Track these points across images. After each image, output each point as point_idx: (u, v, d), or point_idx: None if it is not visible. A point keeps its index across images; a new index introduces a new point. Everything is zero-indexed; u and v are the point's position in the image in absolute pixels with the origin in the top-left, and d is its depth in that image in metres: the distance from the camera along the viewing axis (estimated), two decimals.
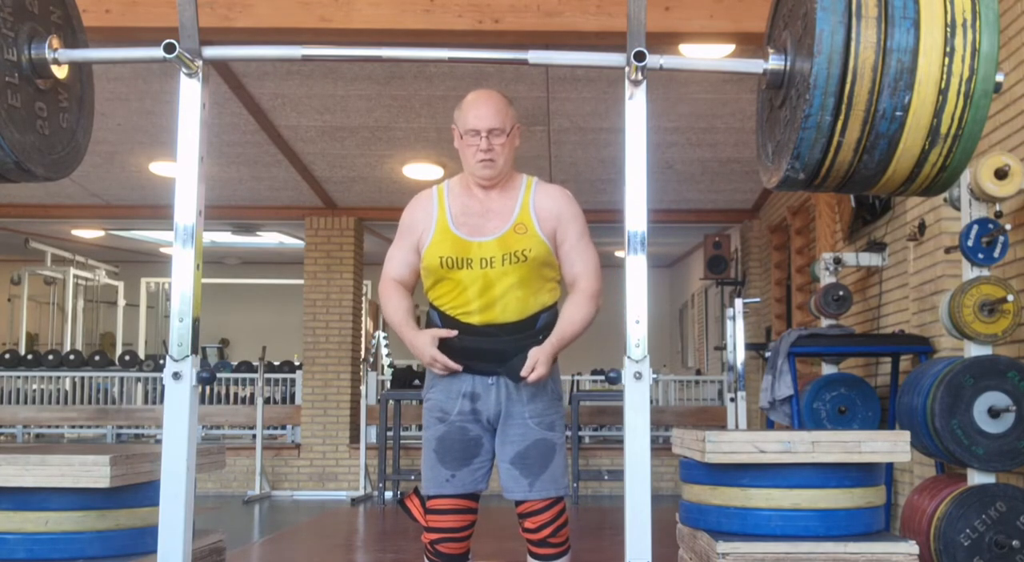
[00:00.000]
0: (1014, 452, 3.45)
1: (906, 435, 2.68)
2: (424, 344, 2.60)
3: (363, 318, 9.84)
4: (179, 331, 1.77)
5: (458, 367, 2.59)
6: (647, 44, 1.74)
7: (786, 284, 8.46)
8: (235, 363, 11.92)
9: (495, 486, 2.63)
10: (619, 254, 10.95)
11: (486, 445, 2.68)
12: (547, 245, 2.64)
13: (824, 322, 5.55)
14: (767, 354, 5.42)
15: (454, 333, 2.61)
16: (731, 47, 4.80)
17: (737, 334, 5.75)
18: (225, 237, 11.22)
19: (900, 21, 1.61)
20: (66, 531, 2.34)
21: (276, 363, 10.94)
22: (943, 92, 1.61)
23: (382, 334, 11.12)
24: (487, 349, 2.63)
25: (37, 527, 2.33)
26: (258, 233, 11.15)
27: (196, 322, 1.78)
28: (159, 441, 2.85)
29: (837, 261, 5.54)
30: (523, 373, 2.53)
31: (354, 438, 8.98)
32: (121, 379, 10.89)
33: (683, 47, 4.73)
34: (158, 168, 7.75)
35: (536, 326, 2.65)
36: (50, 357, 10.86)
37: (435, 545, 2.64)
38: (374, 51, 1.96)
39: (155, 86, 5.91)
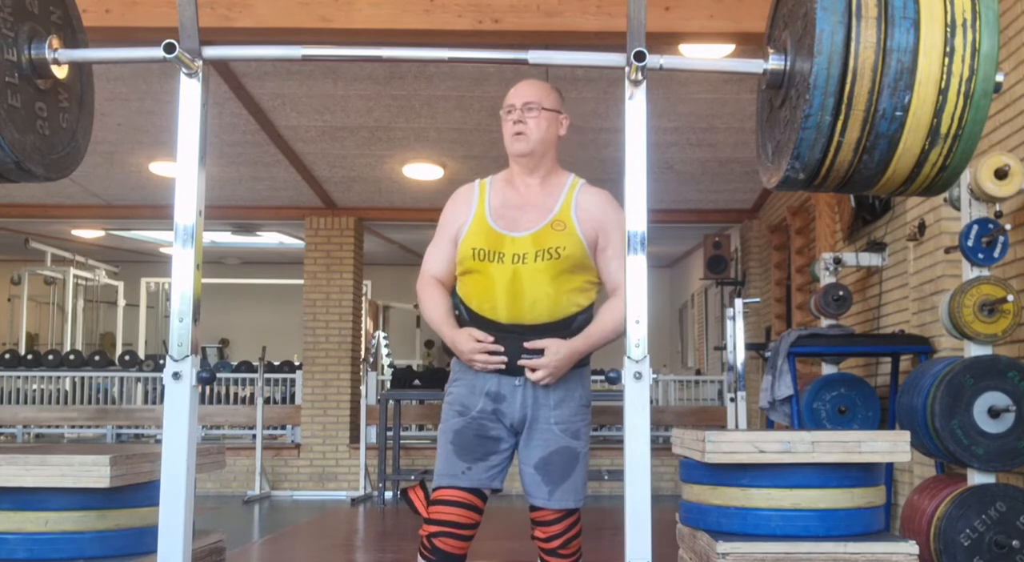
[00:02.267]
0: (1014, 452, 3.45)
1: (906, 435, 2.68)
2: (465, 341, 2.52)
3: (363, 318, 9.84)
4: (179, 331, 1.77)
5: (502, 363, 2.50)
6: (647, 44, 1.74)
7: (786, 284, 8.45)
8: (235, 363, 11.92)
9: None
10: None
11: (506, 445, 2.59)
12: (585, 247, 2.56)
13: (824, 322, 5.55)
14: (767, 354, 5.42)
15: (490, 338, 2.51)
16: (731, 47, 4.80)
17: (737, 334, 5.74)
18: (225, 237, 11.22)
19: (900, 21, 1.61)
20: (66, 531, 2.34)
21: (276, 363, 10.94)
22: (943, 92, 1.61)
23: (382, 334, 11.13)
24: (512, 348, 2.53)
25: (37, 527, 2.33)
26: (258, 233, 11.15)
27: (196, 322, 1.78)
28: (159, 441, 2.85)
29: (837, 261, 5.54)
30: (524, 363, 2.45)
31: (354, 438, 8.98)
32: (121, 379, 10.89)
33: (683, 47, 4.73)
34: (158, 168, 7.75)
35: (571, 328, 2.56)
36: (50, 357, 10.86)
37: (432, 539, 2.49)
38: (374, 51, 1.96)
39: (155, 86, 5.91)
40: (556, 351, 2.48)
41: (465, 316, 2.62)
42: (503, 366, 2.51)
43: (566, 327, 2.55)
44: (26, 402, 10.56)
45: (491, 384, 2.57)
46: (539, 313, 2.52)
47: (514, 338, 2.53)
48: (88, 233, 11.37)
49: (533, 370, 2.50)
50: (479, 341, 2.53)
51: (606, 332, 2.54)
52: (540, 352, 2.50)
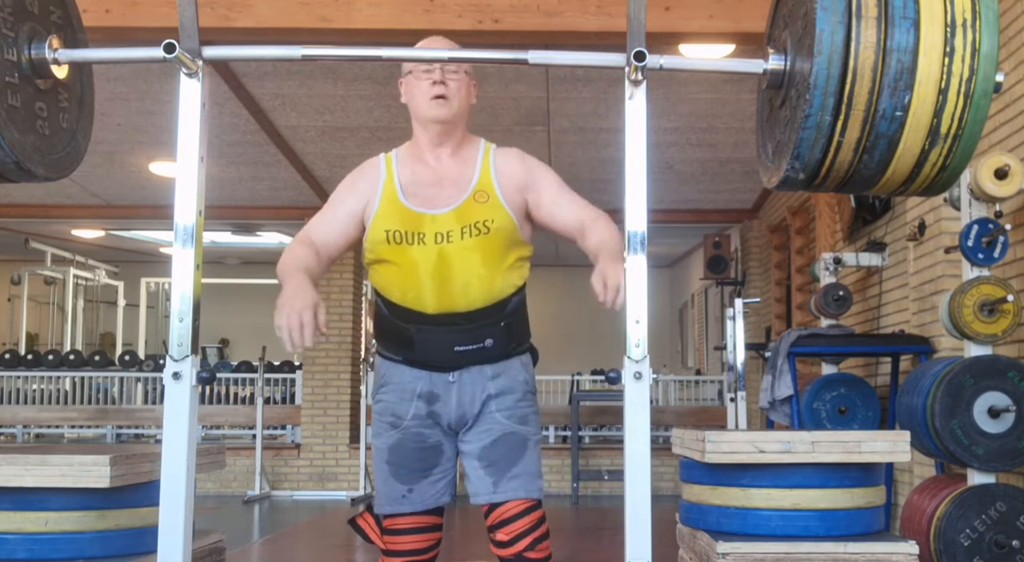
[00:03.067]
0: (1014, 452, 3.45)
1: (906, 435, 2.68)
2: (294, 296, 1.99)
3: (363, 318, 9.84)
4: (179, 331, 1.77)
5: (305, 342, 1.98)
6: (647, 44, 1.74)
7: (786, 284, 8.45)
8: (235, 363, 11.92)
9: None
10: None
11: (447, 452, 2.31)
12: (512, 218, 2.27)
13: (824, 322, 5.55)
14: (767, 354, 5.42)
15: (324, 322, 1.99)
16: (731, 47, 4.80)
17: (737, 334, 5.74)
18: (225, 237, 11.22)
19: (900, 21, 1.61)
20: (66, 531, 2.34)
21: (276, 363, 10.94)
22: (943, 92, 1.61)
23: None
24: (443, 340, 2.24)
25: (37, 527, 2.33)
26: (258, 233, 11.14)
27: (196, 322, 1.78)
28: (159, 441, 2.85)
29: (837, 261, 5.54)
30: (606, 298, 1.94)
31: (354, 438, 8.98)
32: (121, 379, 10.89)
33: (683, 47, 4.73)
34: (158, 168, 7.76)
35: (505, 311, 2.28)
36: (50, 357, 10.86)
37: None
38: (374, 51, 1.96)
39: (155, 86, 5.91)
40: (613, 271, 1.97)
41: (384, 311, 2.32)
42: (306, 345, 2.01)
43: (500, 311, 2.27)
44: (26, 402, 10.56)
45: (422, 383, 2.29)
46: (473, 298, 2.23)
47: (445, 330, 2.24)
48: (88, 233, 11.37)
49: (611, 293, 1.97)
50: (396, 330, 2.24)
51: (617, 240, 2.15)
52: (482, 345, 2.23)
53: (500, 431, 2.27)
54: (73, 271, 12.62)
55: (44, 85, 1.81)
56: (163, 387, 1.79)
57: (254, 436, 8.69)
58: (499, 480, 2.25)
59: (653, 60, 1.75)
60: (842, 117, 1.63)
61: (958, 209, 3.70)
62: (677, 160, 7.48)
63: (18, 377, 10.59)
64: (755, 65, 1.83)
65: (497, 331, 2.27)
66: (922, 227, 4.59)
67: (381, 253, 2.27)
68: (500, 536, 2.25)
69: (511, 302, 2.29)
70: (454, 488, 2.36)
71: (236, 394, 10.96)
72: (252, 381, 10.27)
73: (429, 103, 2.27)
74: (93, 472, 2.29)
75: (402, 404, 2.30)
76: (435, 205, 2.26)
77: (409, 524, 2.28)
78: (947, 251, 4.08)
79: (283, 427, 10.29)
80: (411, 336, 2.26)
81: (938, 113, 1.63)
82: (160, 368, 10.42)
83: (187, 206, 1.79)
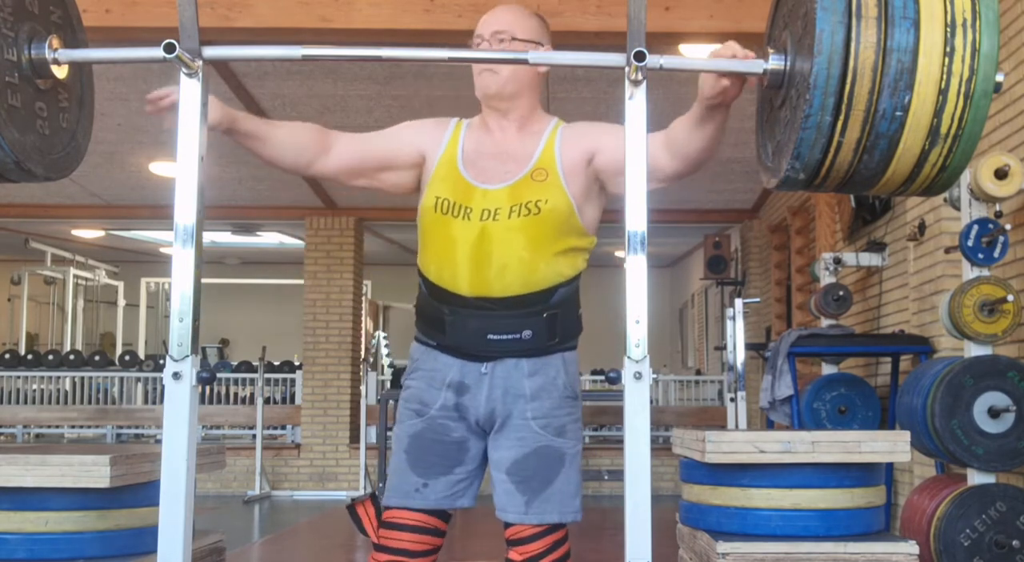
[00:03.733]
0: (1014, 452, 3.45)
1: (906, 435, 2.68)
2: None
3: (363, 318, 9.84)
4: (179, 331, 1.76)
5: (167, 99, 1.89)
6: (647, 44, 1.74)
7: (786, 284, 8.46)
8: (235, 363, 11.92)
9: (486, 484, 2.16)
10: (619, 254, 10.95)
11: (472, 451, 2.13)
12: (570, 200, 2.08)
13: (824, 322, 5.55)
14: (767, 354, 5.42)
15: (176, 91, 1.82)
16: None
17: (737, 334, 5.74)
18: (225, 237, 11.22)
19: (900, 21, 1.61)
20: (66, 531, 2.34)
21: (276, 363, 10.95)
22: (943, 92, 1.61)
23: (382, 334, 11.12)
24: (476, 326, 2.07)
25: (37, 527, 2.33)
26: (258, 233, 11.15)
27: (196, 322, 1.77)
28: (159, 441, 2.85)
29: (837, 261, 5.54)
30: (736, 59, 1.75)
31: (354, 438, 8.99)
32: (121, 379, 10.89)
33: (683, 47, 4.73)
34: (158, 168, 7.76)
35: (549, 303, 2.08)
36: (50, 357, 10.86)
37: None
38: (374, 51, 1.96)
39: (155, 86, 5.83)
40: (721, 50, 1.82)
41: (424, 290, 2.16)
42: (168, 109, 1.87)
43: (543, 302, 2.08)
44: (26, 402, 10.56)
45: (453, 373, 2.11)
46: (509, 282, 2.05)
47: (479, 316, 2.07)
48: (88, 233, 11.37)
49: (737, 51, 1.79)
50: (431, 313, 2.11)
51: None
52: (518, 335, 2.06)
53: (534, 443, 2.08)
54: (73, 271, 12.62)
55: (44, 85, 1.81)
56: (163, 387, 1.78)
57: (254, 436, 8.70)
58: (532, 500, 2.06)
59: (653, 60, 1.74)
60: (842, 117, 1.63)
61: (958, 209, 3.70)
62: None
63: (18, 377, 10.59)
64: (755, 65, 1.83)
65: (538, 323, 2.07)
66: (922, 227, 4.59)
67: (427, 223, 2.12)
68: (514, 555, 2.10)
69: (557, 293, 2.09)
70: (476, 494, 2.15)
71: (236, 394, 10.96)
72: (252, 381, 10.27)
73: (479, 75, 2.14)
74: (93, 472, 2.29)
75: (431, 392, 2.13)
76: (490, 179, 2.10)
77: (412, 520, 2.09)
78: (947, 251, 4.08)
79: (283, 427, 10.30)
80: (444, 319, 2.10)
81: (938, 113, 1.63)
82: (160, 368, 10.42)
83: (187, 206, 1.78)
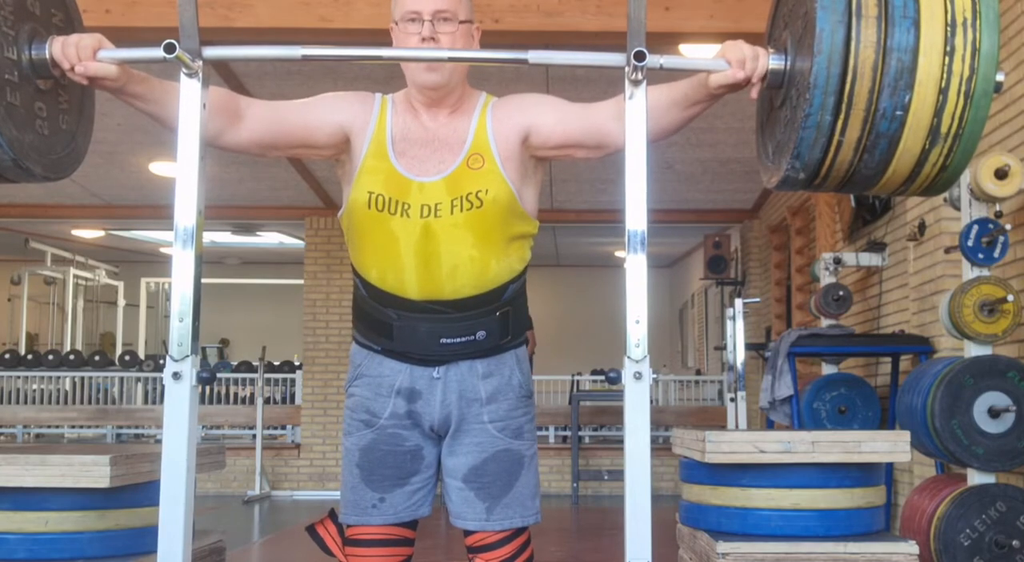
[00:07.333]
0: (1014, 452, 3.45)
1: (906, 435, 2.68)
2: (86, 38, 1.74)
3: None
4: (179, 331, 1.76)
5: (94, 71, 1.74)
6: (647, 44, 1.74)
7: (786, 284, 8.46)
8: (235, 363, 11.92)
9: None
10: (619, 254, 10.94)
11: (428, 458, 2.02)
12: (510, 186, 1.95)
13: (824, 322, 5.55)
14: (767, 354, 5.42)
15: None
16: None
17: (737, 334, 5.74)
18: (225, 237, 11.23)
19: (900, 20, 1.61)
20: (66, 531, 2.34)
21: (276, 363, 10.94)
22: (943, 91, 1.61)
23: None
24: (428, 331, 1.95)
25: (37, 527, 2.33)
26: (258, 233, 11.15)
27: (196, 322, 1.77)
28: (159, 441, 2.86)
29: (837, 261, 5.54)
30: (744, 70, 1.72)
31: None
32: (121, 379, 10.89)
33: (683, 47, 4.73)
34: (158, 168, 7.76)
35: (501, 301, 1.98)
36: (50, 357, 10.86)
37: None
38: (374, 51, 1.96)
39: None
40: (729, 48, 1.77)
41: (362, 291, 2.01)
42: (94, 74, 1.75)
43: (495, 300, 1.98)
44: (26, 402, 10.56)
45: (402, 378, 1.99)
46: (461, 284, 1.93)
47: (430, 320, 1.95)
48: (88, 233, 11.38)
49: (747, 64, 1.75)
50: (372, 316, 1.97)
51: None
52: (472, 337, 1.96)
53: (492, 448, 1.99)
54: (73, 271, 12.63)
55: (44, 86, 1.81)
56: (163, 387, 1.78)
57: (254, 436, 8.70)
58: (494, 506, 1.98)
59: (653, 60, 1.74)
60: (842, 116, 1.63)
61: (958, 209, 3.70)
62: (677, 160, 7.48)
63: (18, 377, 10.59)
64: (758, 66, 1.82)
65: (491, 322, 1.97)
66: (922, 227, 4.59)
67: (360, 221, 1.97)
68: None
69: (508, 289, 1.99)
70: (432, 500, 2.06)
71: (236, 394, 10.96)
72: (252, 381, 10.26)
73: (421, 71, 1.95)
74: (93, 472, 2.29)
75: (378, 400, 2.00)
76: (425, 171, 1.95)
77: (376, 535, 1.99)
78: (947, 251, 4.08)
79: (283, 427, 10.30)
80: (391, 324, 1.96)
81: (938, 113, 1.63)
82: (160, 368, 10.43)
83: (187, 206, 1.78)
